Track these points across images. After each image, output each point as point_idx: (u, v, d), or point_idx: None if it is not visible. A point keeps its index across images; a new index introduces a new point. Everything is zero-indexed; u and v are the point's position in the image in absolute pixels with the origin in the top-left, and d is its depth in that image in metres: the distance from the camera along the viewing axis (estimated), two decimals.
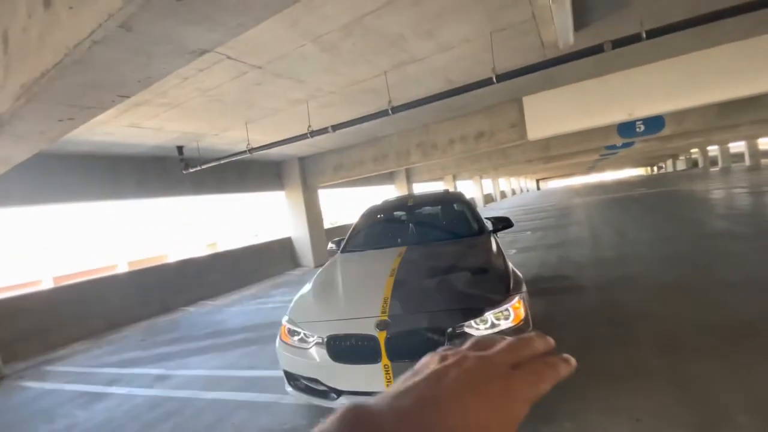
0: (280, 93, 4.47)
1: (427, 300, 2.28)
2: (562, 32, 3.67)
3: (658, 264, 5.17)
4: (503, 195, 35.79)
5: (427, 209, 4.16)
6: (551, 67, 3.58)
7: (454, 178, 18.79)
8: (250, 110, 4.95)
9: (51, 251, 22.02)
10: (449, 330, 2.09)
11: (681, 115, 9.93)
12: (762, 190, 12.44)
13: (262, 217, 33.13)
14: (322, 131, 4.87)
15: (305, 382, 2.39)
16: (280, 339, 2.52)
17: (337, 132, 5.01)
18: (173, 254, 25.40)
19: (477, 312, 2.15)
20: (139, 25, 1.40)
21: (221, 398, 3.06)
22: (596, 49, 3.39)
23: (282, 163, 9.56)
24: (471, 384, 0.28)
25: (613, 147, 16.27)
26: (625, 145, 16.09)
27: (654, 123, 9.36)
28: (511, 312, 2.18)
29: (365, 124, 6.47)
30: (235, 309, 6.34)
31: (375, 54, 3.82)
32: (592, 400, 2.28)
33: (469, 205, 3.85)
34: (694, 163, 41.70)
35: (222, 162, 6.15)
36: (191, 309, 6.86)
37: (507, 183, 39.78)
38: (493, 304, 2.19)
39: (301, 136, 5.03)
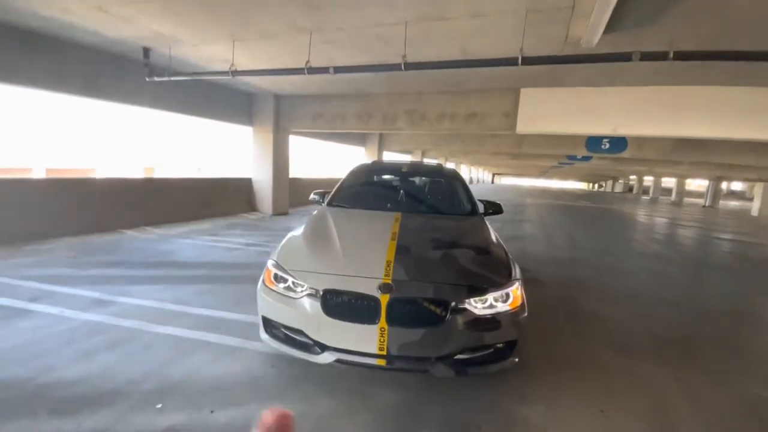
0: (283, 14, 3.96)
1: (432, 271, 2.21)
2: (593, 30, 3.61)
3: (606, 272, 5.62)
4: None
5: (422, 180, 4.03)
6: (579, 63, 3.53)
7: (423, 154, 18.78)
8: (244, 27, 4.36)
9: None
10: (452, 304, 2.05)
11: (642, 141, 10.67)
12: (681, 223, 14.08)
13: (208, 150, 30.65)
14: (323, 70, 4.45)
15: (286, 332, 2.24)
16: (263, 283, 2.33)
17: (325, 77, 4.59)
18: (102, 170, 22.81)
19: (481, 291, 2.12)
20: None
21: (176, 335, 2.81)
22: (625, 56, 3.39)
23: (254, 96, 8.75)
24: None
25: (573, 158, 17.18)
26: (584, 158, 17.08)
27: (619, 143, 9.97)
28: (511, 296, 2.19)
29: (355, 75, 6.07)
30: (185, 242, 5.85)
31: None
32: (561, 386, 2.42)
33: (464, 184, 3.79)
34: (630, 188, 45.91)
35: (196, 78, 5.45)
36: (132, 233, 6.22)
37: (468, 170, 40.82)
38: (497, 286, 2.17)
39: (297, 69, 4.56)
